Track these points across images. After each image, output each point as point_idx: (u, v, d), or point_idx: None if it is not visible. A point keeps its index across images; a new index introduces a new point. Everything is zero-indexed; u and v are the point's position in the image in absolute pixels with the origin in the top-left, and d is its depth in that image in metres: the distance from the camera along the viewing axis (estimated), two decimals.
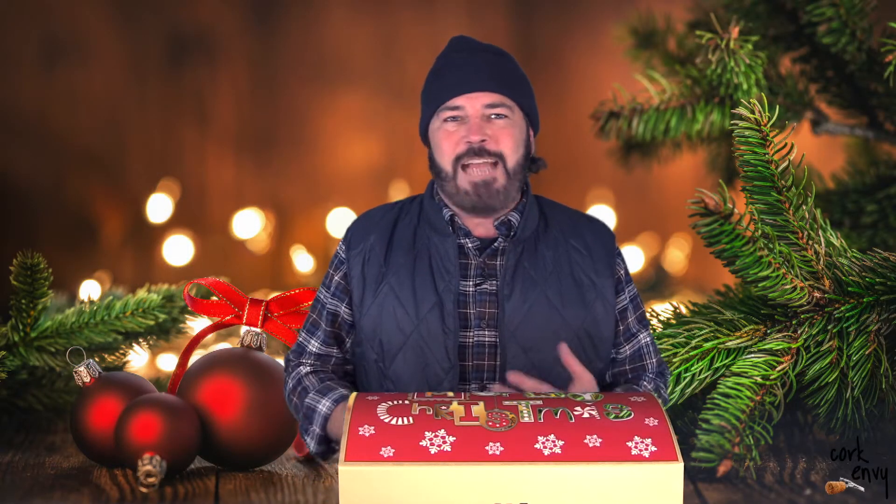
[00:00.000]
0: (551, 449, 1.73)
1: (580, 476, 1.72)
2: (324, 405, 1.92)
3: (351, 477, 1.73)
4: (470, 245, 1.92)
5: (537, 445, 1.73)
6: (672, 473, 1.72)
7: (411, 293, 1.90)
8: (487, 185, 1.89)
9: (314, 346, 1.98)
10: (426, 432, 1.74)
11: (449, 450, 1.73)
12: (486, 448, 1.73)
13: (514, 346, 1.88)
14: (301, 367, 1.98)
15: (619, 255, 1.97)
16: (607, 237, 1.97)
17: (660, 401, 1.83)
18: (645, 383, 1.95)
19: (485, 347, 1.90)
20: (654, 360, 1.98)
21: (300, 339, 2.00)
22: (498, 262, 1.91)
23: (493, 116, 1.91)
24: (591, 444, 1.73)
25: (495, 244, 1.92)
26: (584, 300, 1.91)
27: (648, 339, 1.98)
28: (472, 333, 1.90)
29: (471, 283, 1.91)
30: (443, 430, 1.75)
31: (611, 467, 1.72)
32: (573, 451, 1.73)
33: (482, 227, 1.93)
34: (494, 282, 1.90)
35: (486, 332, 1.90)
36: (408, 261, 1.92)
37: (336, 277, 1.97)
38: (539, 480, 1.72)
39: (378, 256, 1.93)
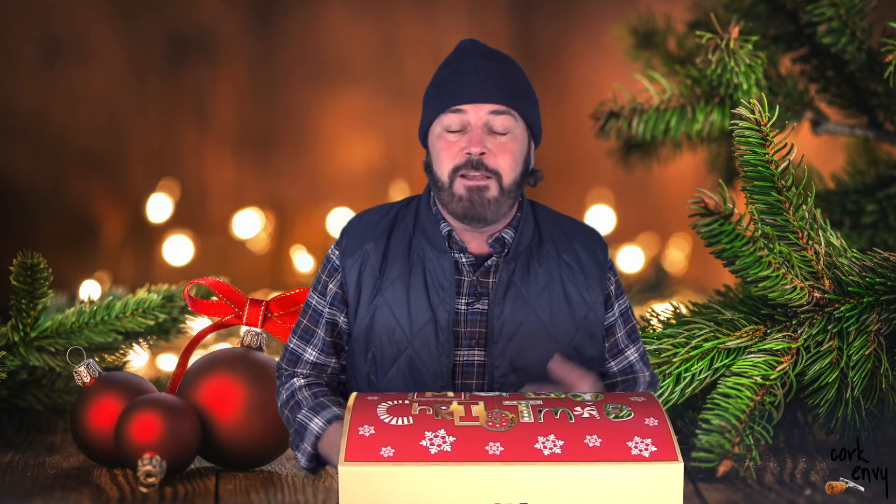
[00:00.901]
0: (551, 449, 1.73)
1: (580, 476, 1.72)
2: (316, 424, 1.91)
3: (351, 477, 1.73)
4: (464, 261, 1.90)
5: (537, 445, 1.73)
6: (672, 473, 1.72)
7: (406, 307, 1.89)
8: (480, 191, 1.86)
9: (311, 354, 1.96)
10: (426, 432, 1.74)
11: (449, 450, 1.73)
12: (486, 448, 1.73)
13: (503, 365, 1.88)
14: (295, 380, 1.96)
15: (611, 268, 1.95)
16: (600, 249, 1.95)
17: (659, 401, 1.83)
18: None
19: (474, 367, 1.89)
20: (645, 374, 1.97)
21: (292, 346, 1.97)
22: (490, 280, 1.90)
23: (495, 130, 1.89)
24: (591, 444, 1.73)
25: (488, 262, 1.90)
26: (573, 317, 1.90)
27: (637, 354, 1.96)
28: (462, 352, 1.89)
29: (463, 300, 1.89)
30: (443, 430, 1.75)
31: (611, 467, 1.72)
32: (573, 451, 1.73)
33: (476, 242, 1.92)
34: (486, 300, 1.89)
35: (476, 352, 1.89)
36: (403, 273, 1.90)
37: (332, 286, 1.94)
38: (539, 480, 1.72)
39: (374, 267, 1.91)
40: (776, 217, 2.12)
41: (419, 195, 1.96)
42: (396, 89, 4.17)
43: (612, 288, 1.94)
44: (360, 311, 1.91)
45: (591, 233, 1.97)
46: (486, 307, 1.89)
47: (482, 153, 1.87)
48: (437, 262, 1.90)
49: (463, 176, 1.87)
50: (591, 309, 1.92)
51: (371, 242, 1.92)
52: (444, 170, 1.89)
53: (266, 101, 4.20)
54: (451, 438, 1.74)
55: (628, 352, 1.96)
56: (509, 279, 1.89)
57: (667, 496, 1.72)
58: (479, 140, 1.87)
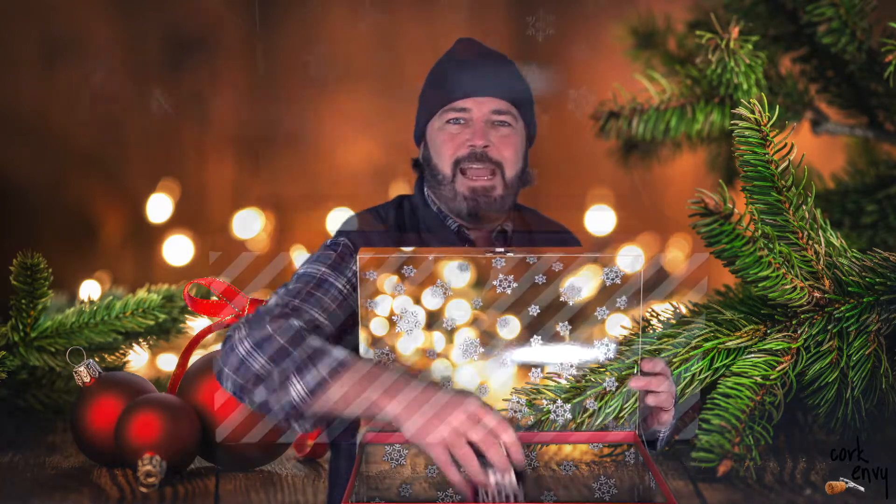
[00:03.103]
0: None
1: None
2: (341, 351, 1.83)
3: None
4: None
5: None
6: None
7: None
8: (487, 191, 1.92)
9: (320, 318, 1.94)
10: None
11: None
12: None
13: None
14: (294, 320, 1.88)
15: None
16: (574, 236, 2.14)
17: None
18: None
19: None
20: None
21: (297, 304, 1.92)
22: None
23: (497, 123, 1.92)
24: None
25: None
26: None
27: None
28: None
29: None
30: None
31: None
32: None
33: (481, 235, 2.01)
34: None
35: None
36: None
37: (353, 267, 1.95)
38: None
39: None
40: (776, 217, 2.12)
41: (402, 196, 2.00)
42: (396, 89, 4.17)
43: None
44: None
45: (560, 224, 2.12)
46: None
47: (486, 146, 1.91)
48: None
49: (464, 171, 1.91)
50: None
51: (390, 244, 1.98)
52: (445, 161, 1.93)
53: (266, 101, 4.20)
54: None
55: None
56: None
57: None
58: (482, 133, 1.92)
